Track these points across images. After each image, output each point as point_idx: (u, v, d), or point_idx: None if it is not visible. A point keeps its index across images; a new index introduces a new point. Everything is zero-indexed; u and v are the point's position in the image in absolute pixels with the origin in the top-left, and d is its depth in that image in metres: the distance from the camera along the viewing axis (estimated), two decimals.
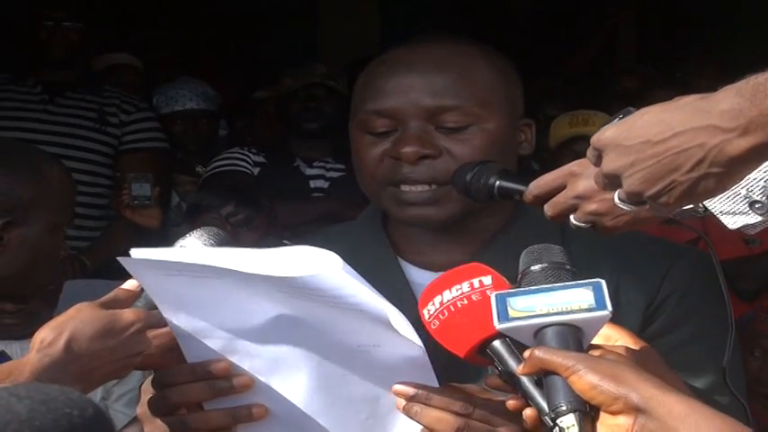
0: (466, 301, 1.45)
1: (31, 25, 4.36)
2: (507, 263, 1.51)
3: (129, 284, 1.63)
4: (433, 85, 1.78)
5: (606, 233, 1.59)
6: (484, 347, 1.43)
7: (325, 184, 4.37)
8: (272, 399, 1.60)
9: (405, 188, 1.79)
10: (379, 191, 1.81)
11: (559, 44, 6.33)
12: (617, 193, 1.39)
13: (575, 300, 1.35)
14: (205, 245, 1.66)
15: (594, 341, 1.40)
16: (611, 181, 1.37)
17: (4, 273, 2.32)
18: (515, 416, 1.41)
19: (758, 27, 5.89)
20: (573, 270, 1.43)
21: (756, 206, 1.42)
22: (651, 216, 1.54)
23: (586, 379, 1.27)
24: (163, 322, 1.61)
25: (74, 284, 2.82)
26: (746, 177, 1.39)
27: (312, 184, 4.37)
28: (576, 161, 1.61)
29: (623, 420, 1.26)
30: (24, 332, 2.40)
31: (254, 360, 1.60)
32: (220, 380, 1.60)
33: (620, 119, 1.41)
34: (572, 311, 1.35)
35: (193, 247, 1.66)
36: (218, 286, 1.52)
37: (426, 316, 1.48)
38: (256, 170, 4.36)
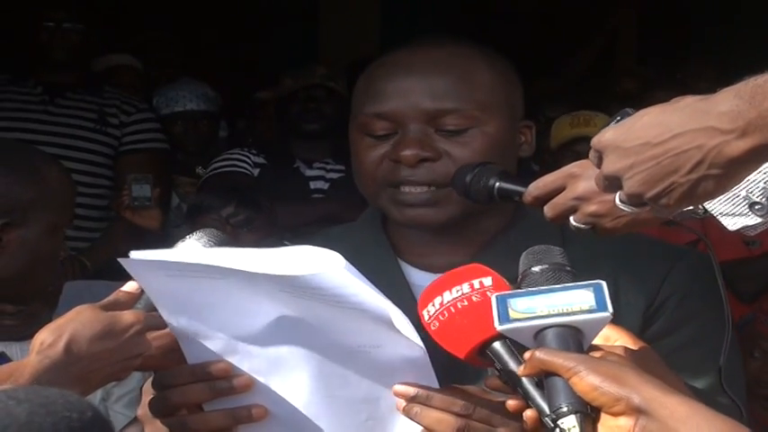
0: (466, 303, 1.45)
1: (32, 26, 4.36)
2: (507, 264, 1.51)
3: (130, 287, 1.63)
4: (432, 87, 1.78)
5: (606, 234, 1.59)
6: (484, 349, 1.43)
7: (325, 186, 4.37)
8: (273, 400, 1.60)
9: (404, 189, 1.79)
10: (379, 192, 1.81)
11: (560, 44, 6.33)
12: (618, 194, 1.39)
13: (575, 301, 1.35)
14: (204, 247, 1.66)
15: (594, 341, 1.40)
16: (612, 183, 1.38)
17: (4, 274, 2.32)
18: (515, 416, 1.41)
19: (757, 28, 5.89)
20: (573, 271, 1.43)
21: (756, 207, 1.42)
22: (651, 217, 1.54)
23: (588, 380, 1.27)
24: (163, 324, 1.61)
25: (74, 285, 2.82)
26: (746, 179, 1.40)
27: (312, 185, 4.37)
28: (576, 162, 1.61)
29: (624, 422, 1.25)
30: (24, 333, 2.40)
31: (255, 361, 1.60)
32: (220, 380, 1.60)
33: (618, 120, 1.41)
34: (573, 313, 1.35)
35: (193, 248, 1.66)
36: (219, 287, 1.52)
37: (426, 317, 1.48)
38: (256, 171, 4.36)
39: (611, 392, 1.26)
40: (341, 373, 1.56)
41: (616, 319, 1.40)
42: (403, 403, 1.53)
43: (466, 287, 1.46)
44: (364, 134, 1.81)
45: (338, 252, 1.44)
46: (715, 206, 1.44)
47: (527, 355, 1.34)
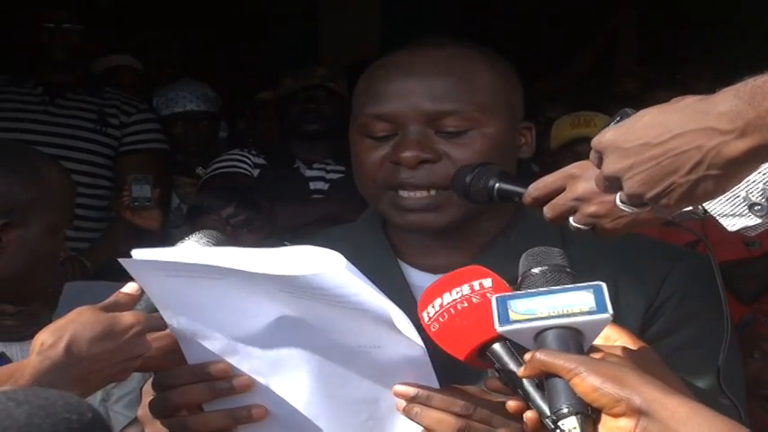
0: (466, 304, 1.45)
1: (32, 27, 4.36)
2: (507, 265, 1.51)
3: (130, 288, 1.63)
4: (432, 89, 1.77)
5: (605, 235, 1.59)
6: (484, 350, 1.43)
7: (325, 186, 4.37)
8: (273, 400, 1.60)
9: (404, 194, 1.78)
10: (379, 195, 1.81)
11: (560, 44, 6.33)
12: (618, 195, 1.39)
13: (576, 303, 1.35)
14: (204, 247, 1.66)
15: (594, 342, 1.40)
16: (612, 183, 1.38)
17: (4, 274, 2.32)
18: (516, 417, 1.41)
19: (758, 28, 5.89)
20: (573, 273, 1.43)
21: (756, 208, 1.42)
22: (651, 218, 1.54)
23: (588, 381, 1.27)
24: (163, 325, 1.61)
25: (74, 286, 2.83)
26: (746, 180, 1.40)
27: (312, 185, 4.37)
28: (576, 163, 1.61)
29: (625, 423, 1.25)
30: (24, 334, 2.40)
31: (255, 361, 1.60)
32: (220, 381, 1.60)
33: (618, 121, 1.41)
34: (573, 314, 1.35)
35: (193, 248, 1.66)
36: (220, 287, 1.52)
37: (426, 318, 1.47)
38: (256, 172, 4.36)
39: (611, 393, 1.26)
40: (341, 374, 1.56)
41: (616, 320, 1.40)
42: (403, 403, 1.53)
43: (466, 289, 1.46)
44: (364, 135, 1.81)
45: (338, 252, 1.45)
46: (715, 207, 1.44)
47: (527, 356, 1.34)
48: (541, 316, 1.35)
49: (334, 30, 6.78)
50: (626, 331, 1.51)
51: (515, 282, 1.45)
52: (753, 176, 1.40)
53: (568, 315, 1.35)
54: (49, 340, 1.54)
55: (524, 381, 1.36)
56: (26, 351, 1.62)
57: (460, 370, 1.51)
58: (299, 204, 4.23)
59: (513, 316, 1.36)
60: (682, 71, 5.46)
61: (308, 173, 4.40)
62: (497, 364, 1.42)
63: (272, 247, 1.52)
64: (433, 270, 1.81)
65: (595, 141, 1.39)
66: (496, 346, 1.42)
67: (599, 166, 1.39)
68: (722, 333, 1.60)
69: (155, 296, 1.59)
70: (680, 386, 1.42)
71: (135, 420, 1.91)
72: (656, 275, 1.77)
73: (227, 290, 1.53)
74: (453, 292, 1.46)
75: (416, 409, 1.52)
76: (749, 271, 4.03)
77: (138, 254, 1.55)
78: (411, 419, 1.53)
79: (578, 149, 4.23)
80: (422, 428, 1.53)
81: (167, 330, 1.62)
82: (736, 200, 1.42)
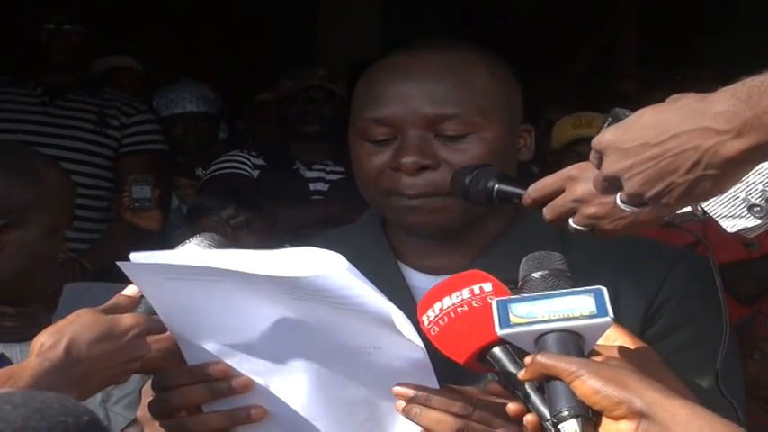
0: (466, 308, 1.45)
1: (32, 28, 4.36)
2: (507, 266, 1.51)
3: (130, 290, 1.63)
4: (432, 92, 1.77)
5: (605, 236, 1.59)
6: (484, 354, 1.42)
7: (325, 187, 4.37)
8: (272, 401, 1.60)
9: (404, 201, 1.78)
10: (381, 200, 1.81)
11: (560, 44, 6.33)
12: (618, 195, 1.39)
13: (576, 306, 1.35)
14: (204, 249, 1.66)
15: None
16: (611, 183, 1.38)
17: (2, 276, 2.32)
18: (516, 420, 1.40)
19: (756, 30, 5.89)
20: (573, 277, 1.43)
21: (755, 210, 1.42)
22: (650, 219, 1.54)
23: (589, 384, 1.27)
24: (163, 327, 1.61)
25: (74, 287, 2.83)
26: (745, 181, 1.40)
27: (312, 186, 4.37)
28: (575, 165, 1.61)
29: (625, 426, 1.25)
30: (24, 335, 2.41)
31: (255, 362, 1.60)
32: (219, 381, 1.60)
33: (610, 122, 1.42)
34: (573, 318, 1.35)
35: (193, 250, 1.66)
36: (219, 289, 1.52)
37: (426, 322, 1.47)
38: (256, 173, 4.36)
39: (613, 396, 1.26)
40: (340, 374, 1.56)
41: (616, 321, 1.40)
42: (402, 404, 1.53)
43: (466, 293, 1.46)
44: (363, 139, 1.81)
45: (338, 253, 1.44)
46: (714, 208, 1.44)
47: (528, 359, 1.34)
48: (542, 319, 1.35)
49: (334, 30, 6.77)
50: (626, 331, 1.51)
51: (516, 282, 1.46)
52: (752, 178, 1.40)
53: (569, 318, 1.35)
54: (49, 342, 1.54)
55: (525, 384, 1.36)
56: (26, 352, 1.62)
57: (461, 372, 1.51)
58: (299, 205, 4.23)
59: (513, 319, 1.36)
60: (682, 71, 5.46)
61: (308, 174, 4.40)
62: (497, 367, 1.42)
63: (273, 248, 1.52)
64: (432, 272, 1.81)
65: (595, 142, 1.39)
66: (496, 350, 1.42)
67: (598, 166, 1.39)
68: (721, 334, 1.60)
69: (153, 299, 1.59)
70: (680, 387, 1.42)
71: (134, 421, 1.91)
72: (655, 276, 1.77)
73: (227, 292, 1.52)
74: (453, 296, 1.46)
75: (416, 409, 1.52)
76: (748, 272, 4.03)
77: (137, 257, 1.55)
78: (410, 420, 1.53)
79: (579, 150, 4.23)
80: (421, 429, 1.53)
81: (167, 333, 1.62)
82: (736, 201, 1.42)
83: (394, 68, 1.81)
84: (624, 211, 1.42)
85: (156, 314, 1.60)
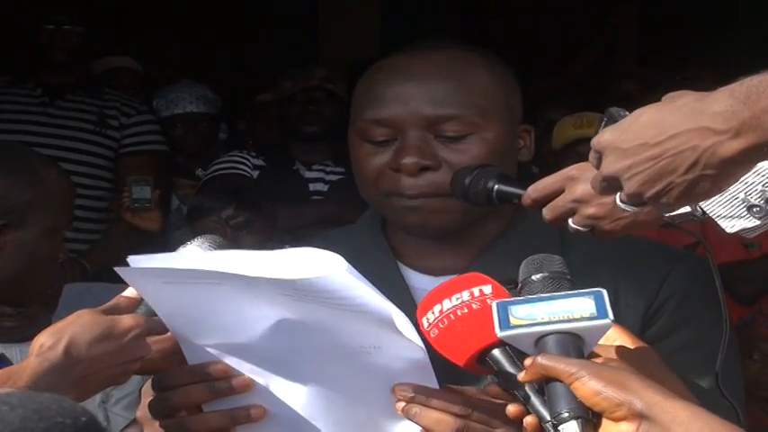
0: (466, 310, 1.45)
1: (32, 28, 4.36)
2: (507, 267, 1.51)
3: (131, 291, 1.63)
4: (432, 93, 1.77)
5: (605, 237, 1.59)
6: (483, 356, 1.42)
7: (325, 188, 4.37)
8: (272, 400, 1.60)
9: (405, 201, 1.78)
10: (381, 201, 1.81)
11: (560, 44, 6.33)
12: (618, 194, 1.39)
13: (576, 308, 1.35)
14: (205, 251, 1.66)
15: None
16: (611, 183, 1.38)
17: (2, 276, 2.32)
18: (515, 421, 1.40)
19: (756, 30, 5.89)
20: (572, 280, 1.43)
21: (754, 210, 1.42)
22: (650, 219, 1.54)
23: (590, 385, 1.27)
24: (163, 328, 1.61)
25: (73, 288, 2.83)
26: (745, 182, 1.40)
27: (311, 187, 4.37)
28: (575, 165, 1.61)
29: (626, 427, 1.25)
30: (23, 335, 2.41)
31: (255, 363, 1.60)
32: (219, 381, 1.60)
33: (606, 122, 1.42)
34: (573, 320, 1.35)
35: (194, 253, 1.66)
36: (219, 292, 1.52)
37: (425, 324, 1.47)
38: (256, 173, 4.36)
39: (613, 397, 1.26)
40: (340, 374, 1.57)
41: (616, 321, 1.40)
42: (402, 404, 1.53)
43: (466, 295, 1.46)
44: (363, 140, 1.81)
45: (338, 254, 1.44)
46: (713, 209, 1.44)
47: (528, 360, 1.34)
48: (542, 321, 1.35)
49: (333, 31, 6.77)
50: (626, 331, 1.51)
51: (515, 282, 1.46)
52: (751, 178, 1.40)
53: (569, 320, 1.35)
54: (49, 342, 1.54)
55: (524, 385, 1.36)
56: (25, 352, 1.62)
57: (460, 373, 1.51)
58: (299, 206, 4.23)
59: (513, 321, 1.36)
60: (682, 71, 5.46)
61: (308, 174, 4.40)
62: (497, 369, 1.41)
63: (273, 249, 1.52)
64: (432, 272, 1.81)
65: (594, 142, 1.39)
66: (496, 352, 1.41)
67: (598, 166, 1.39)
68: (721, 334, 1.60)
69: (153, 302, 1.59)
70: (680, 387, 1.42)
71: (134, 421, 1.91)
72: (655, 277, 1.77)
73: (227, 294, 1.52)
74: (453, 298, 1.46)
75: (415, 409, 1.52)
76: (748, 273, 4.02)
77: (135, 261, 1.54)
78: (410, 420, 1.53)
79: (580, 150, 4.23)
80: (420, 429, 1.53)
81: (168, 333, 1.62)
82: (735, 201, 1.42)
83: (394, 69, 1.81)
84: (624, 211, 1.43)
85: (156, 315, 1.60)
